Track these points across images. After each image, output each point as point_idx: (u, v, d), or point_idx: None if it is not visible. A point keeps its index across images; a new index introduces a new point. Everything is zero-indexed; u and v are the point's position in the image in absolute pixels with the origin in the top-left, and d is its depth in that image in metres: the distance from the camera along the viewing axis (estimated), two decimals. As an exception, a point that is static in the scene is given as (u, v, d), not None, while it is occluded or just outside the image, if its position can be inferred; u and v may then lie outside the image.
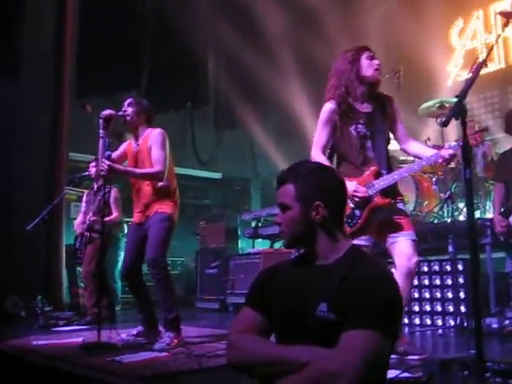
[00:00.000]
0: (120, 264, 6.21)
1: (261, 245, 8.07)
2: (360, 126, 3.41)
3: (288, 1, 9.52)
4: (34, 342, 4.18)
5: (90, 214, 6.03)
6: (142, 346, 3.98)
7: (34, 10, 7.77)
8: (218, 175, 11.70)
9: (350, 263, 1.81)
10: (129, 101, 4.39)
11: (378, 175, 3.35)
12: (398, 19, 8.29)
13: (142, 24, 10.01)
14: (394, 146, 7.12)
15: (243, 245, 8.15)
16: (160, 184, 4.22)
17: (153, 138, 4.27)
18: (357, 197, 3.29)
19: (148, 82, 10.01)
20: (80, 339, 4.13)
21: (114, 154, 4.35)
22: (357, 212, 3.32)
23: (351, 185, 3.25)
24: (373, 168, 3.37)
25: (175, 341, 3.93)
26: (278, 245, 7.30)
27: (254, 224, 7.61)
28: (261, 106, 10.76)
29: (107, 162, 4.02)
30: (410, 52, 8.02)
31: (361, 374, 1.58)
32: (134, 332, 4.28)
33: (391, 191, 3.41)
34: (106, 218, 5.88)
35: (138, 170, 4.26)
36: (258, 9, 9.56)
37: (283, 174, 1.91)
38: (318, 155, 3.43)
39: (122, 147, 4.51)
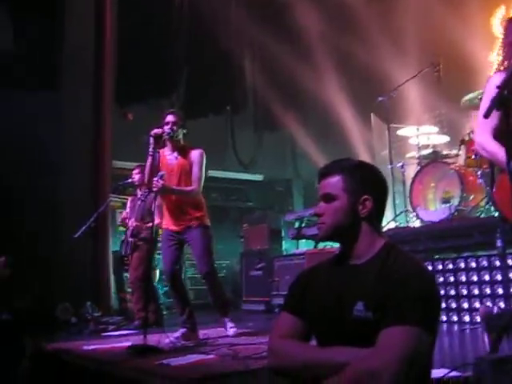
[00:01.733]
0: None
1: (305, 245, 8.04)
2: None
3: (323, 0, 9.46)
4: (85, 347, 4.27)
5: (133, 219, 6.12)
6: (189, 348, 4.02)
7: (73, 21, 7.95)
8: (259, 177, 11.73)
9: (384, 260, 1.79)
10: (172, 118, 4.55)
11: None
12: (436, 10, 8.13)
13: (178, 29, 10.13)
14: (438, 139, 7.06)
15: (287, 246, 8.13)
16: (195, 198, 4.64)
17: (195, 156, 4.61)
18: None
19: (186, 88, 10.12)
20: (128, 343, 4.20)
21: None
22: None
23: None
24: None
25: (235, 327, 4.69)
26: (322, 245, 7.25)
27: (297, 224, 7.59)
28: (299, 106, 10.75)
29: (161, 182, 4.27)
30: (450, 44, 7.84)
31: (401, 372, 1.56)
32: (177, 335, 4.40)
33: None
34: (150, 224, 5.97)
35: (183, 189, 4.59)
36: (294, 9, 9.54)
37: (328, 166, 1.92)
38: None
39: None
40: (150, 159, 4.34)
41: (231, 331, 4.61)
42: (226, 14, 10.09)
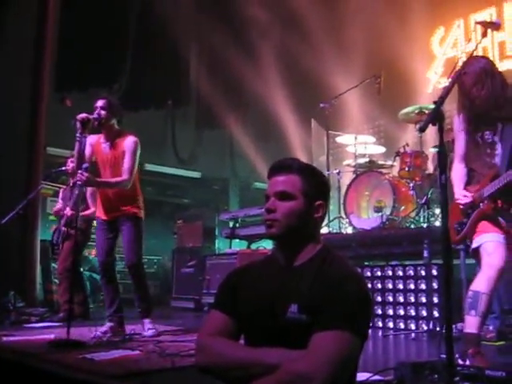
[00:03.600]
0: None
1: (238, 245, 8.06)
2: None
3: (271, 1, 9.52)
4: (5, 338, 4.12)
5: (68, 209, 5.96)
6: (114, 343, 3.94)
7: (15, 6, 7.67)
8: (197, 174, 11.68)
9: (320, 264, 1.81)
10: (101, 103, 4.39)
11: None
12: (381, 25, 8.35)
13: (125, 20, 9.95)
14: (374, 149, 7.24)
15: (220, 245, 8.13)
16: (128, 188, 4.44)
17: (127, 145, 4.44)
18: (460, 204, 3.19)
19: (129, 79, 9.95)
20: (51, 336, 4.08)
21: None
22: (464, 220, 3.20)
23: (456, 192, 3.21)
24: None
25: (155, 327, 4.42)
26: (255, 246, 7.29)
27: (231, 224, 7.60)
28: (242, 106, 10.79)
29: (85, 175, 4.09)
30: (392, 58, 8.08)
31: (331, 376, 1.58)
32: (104, 329, 4.31)
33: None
34: (83, 213, 5.83)
35: (110, 181, 4.45)
36: (242, 10, 9.55)
37: (288, 163, 1.88)
38: None
39: (88, 145, 4.47)
40: (77, 145, 4.14)
41: (149, 332, 4.38)
42: (175, 8, 9.98)
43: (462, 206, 3.16)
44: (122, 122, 4.55)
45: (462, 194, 3.19)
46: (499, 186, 3.00)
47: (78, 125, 4.13)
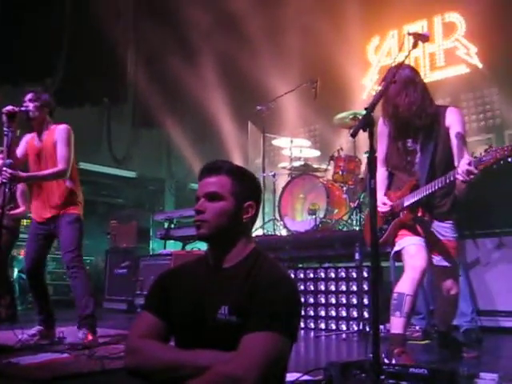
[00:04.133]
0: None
1: (172, 246, 8.00)
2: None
3: (211, 4, 9.52)
4: None
5: None
6: (41, 347, 3.84)
7: None
8: (132, 174, 11.51)
9: (251, 266, 1.83)
10: (30, 96, 4.24)
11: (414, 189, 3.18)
12: (319, 32, 8.52)
13: (60, 12, 9.65)
14: (310, 153, 7.36)
15: (155, 246, 8.06)
16: (66, 184, 4.23)
17: (58, 134, 4.23)
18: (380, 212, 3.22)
19: (64, 74, 9.69)
20: (-25, 339, 3.93)
21: (17, 152, 4.24)
22: (384, 226, 3.28)
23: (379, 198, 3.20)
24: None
25: (90, 337, 3.97)
26: (189, 247, 7.27)
27: (166, 225, 7.54)
28: (178, 107, 10.71)
29: (9, 171, 3.91)
30: (329, 64, 8.26)
31: (261, 377, 1.60)
32: (33, 332, 4.15)
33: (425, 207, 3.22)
34: (13, 212, 5.65)
35: (41, 173, 4.21)
36: (181, 10, 9.51)
37: (217, 165, 1.89)
38: None
39: (24, 143, 4.34)
40: (5, 140, 3.98)
41: (80, 335, 4.04)
42: (113, 6, 9.82)
43: (381, 214, 3.24)
44: (53, 114, 4.36)
45: (381, 202, 3.25)
46: (418, 198, 3.11)
47: (4, 118, 3.97)
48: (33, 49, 8.91)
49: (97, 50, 9.84)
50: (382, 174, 3.36)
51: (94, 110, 10.63)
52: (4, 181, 3.94)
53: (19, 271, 7.42)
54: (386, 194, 3.33)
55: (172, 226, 7.46)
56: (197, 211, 1.86)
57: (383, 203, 3.25)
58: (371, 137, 2.18)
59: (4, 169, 3.92)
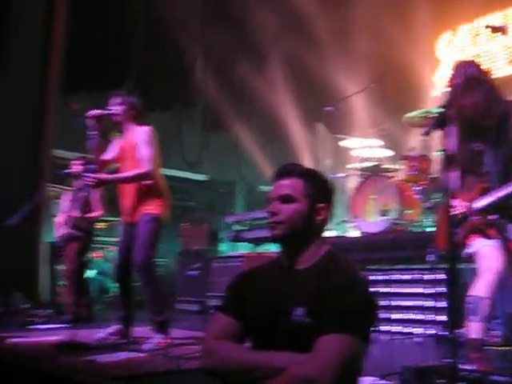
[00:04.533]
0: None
1: (243, 248, 8.06)
2: None
3: (277, 6, 9.54)
4: (10, 340, 4.13)
5: (74, 211, 5.96)
6: (119, 346, 3.94)
7: (22, 8, 7.74)
8: (203, 177, 11.69)
9: (325, 267, 1.82)
10: (116, 99, 4.29)
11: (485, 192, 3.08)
12: (386, 29, 8.36)
13: (132, 22, 9.98)
14: (381, 153, 7.23)
15: (225, 248, 8.13)
16: (146, 183, 4.15)
17: (139, 135, 4.18)
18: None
19: (136, 81, 9.97)
20: (56, 338, 4.09)
21: (106, 155, 4.31)
22: (455, 229, 3.10)
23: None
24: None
25: (163, 342, 3.92)
26: (260, 249, 7.29)
27: (237, 227, 7.60)
28: (248, 110, 10.78)
29: (92, 176, 3.99)
30: (397, 62, 8.08)
31: (335, 379, 1.59)
32: (111, 330, 4.23)
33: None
34: (88, 215, 5.86)
35: (124, 175, 4.19)
36: (248, 13, 9.57)
37: (290, 168, 1.92)
38: None
39: (113, 148, 4.40)
40: (89, 143, 4.07)
41: (155, 340, 3.97)
42: (182, 12, 10.02)
43: (455, 214, 3.11)
44: (140, 117, 4.33)
45: (457, 202, 3.13)
46: (491, 201, 2.99)
47: (90, 122, 4.06)
48: (106, 56, 9.23)
49: (166, 56, 10.07)
50: (453, 174, 3.19)
51: (165, 114, 10.85)
52: (88, 185, 4.02)
53: (98, 273, 7.70)
54: (457, 196, 3.18)
55: (243, 228, 7.51)
56: (271, 213, 1.89)
57: (459, 204, 3.13)
58: (446, 135, 2.11)
59: (87, 175, 4.00)
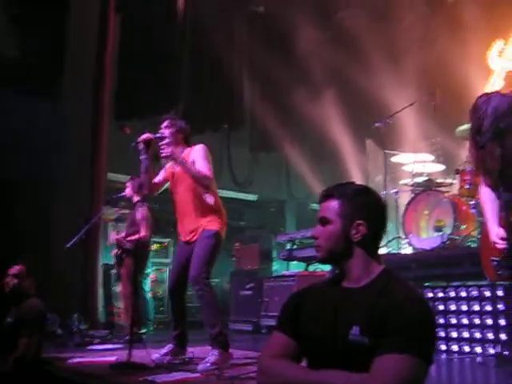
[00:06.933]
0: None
1: (295, 267, 8.02)
2: None
3: (324, 23, 9.56)
4: (69, 360, 4.23)
5: (121, 233, 6.09)
6: (175, 366, 3.97)
7: (75, 35, 8.03)
8: (253, 197, 11.75)
9: (382, 286, 1.79)
10: (165, 122, 4.38)
11: None
12: (436, 41, 8.26)
13: (179, 47, 10.19)
14: (433, 167, 7.10)
15: (277, 267, 8.11)
16: (206, 201, 4.21)
17: (194, 153, 4.25)
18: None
19: (185, 104, 10.16)
20: (113, 358, 4.16)
21: (156, 178, 4.40)
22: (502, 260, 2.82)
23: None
24: None
25: (220, 359, 3.89)
26: (312, 267, 7.24)
27: (288, 246, 7.58)
28: (296, 128, 10.79)
29: (166, 144, 4.17)
30: (447, 74, 7.94)
31: None
32: (165, 351, 4.26)
33: None
34: (133, 237, 5.94)
35: (191, 166, 4.16)
36: (294, 31, 9.63)
37: (329, 190, 1.93)
38: None
39: (163, 171, 4.49)
40: (142, 166, 4.15)
41: (211, 358, 3.91)
42: (228, 33, 10.17)
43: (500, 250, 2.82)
44: (188, 140, 4.45)
45: (498, 236, 2.77)
46: None
47: (141, 146, 4.14)
48: (155, 82, 9.45)
49: (213, 78, 10.23)
50: (489, 193, 2.79)
51: (215, 136, 10.99)
52: (163, 155, 4.17)
53: (152, 293, 7.81)
54: (499, 222, 2.77)
55: (294, 246, 7.49)
56: (313, 237, 1.95)
57: (501, 238, 2.75)
58: (501, 148, 2.06)
59: (162, 142, 4.18)
